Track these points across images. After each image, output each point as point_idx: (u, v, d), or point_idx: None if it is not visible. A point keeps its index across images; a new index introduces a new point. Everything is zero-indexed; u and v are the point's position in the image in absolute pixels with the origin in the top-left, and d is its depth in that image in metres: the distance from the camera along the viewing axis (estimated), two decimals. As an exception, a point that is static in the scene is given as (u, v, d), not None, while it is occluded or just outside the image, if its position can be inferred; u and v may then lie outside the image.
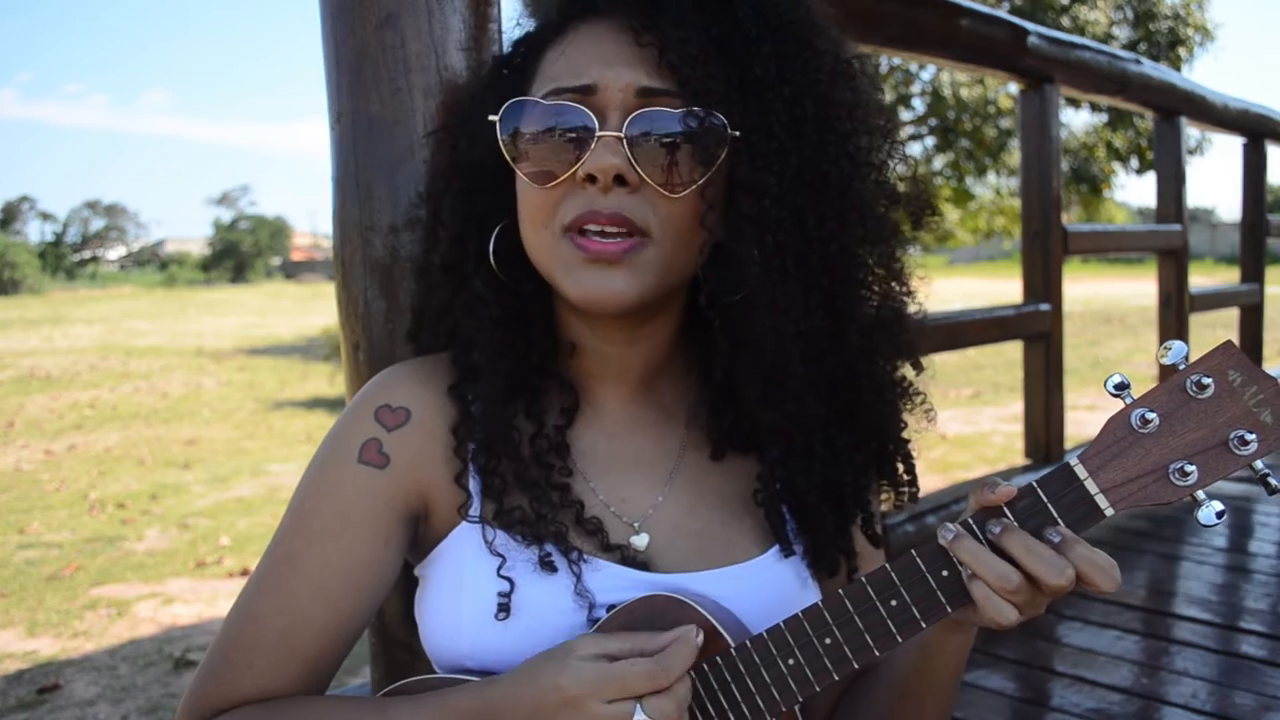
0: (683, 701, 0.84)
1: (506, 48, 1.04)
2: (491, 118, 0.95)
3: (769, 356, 0.93)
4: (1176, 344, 0.80)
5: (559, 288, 0.94)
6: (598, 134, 0.89)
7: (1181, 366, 0.81)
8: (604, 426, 1.03)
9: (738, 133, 0.90)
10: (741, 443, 1.04)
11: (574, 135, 0.90)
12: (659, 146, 0.89)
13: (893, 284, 1.01)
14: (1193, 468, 0.80)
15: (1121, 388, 0.82)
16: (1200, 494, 0.80)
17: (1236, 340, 5.35)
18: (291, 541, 0.95)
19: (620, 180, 0.89)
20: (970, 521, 0.84)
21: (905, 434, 1.06)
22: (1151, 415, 0.80)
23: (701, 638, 0.87)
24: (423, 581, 1.02)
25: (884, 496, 1.10)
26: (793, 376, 0.94)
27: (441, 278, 1.03)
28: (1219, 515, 0.80)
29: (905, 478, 1.07)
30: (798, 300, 0.92)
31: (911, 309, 1.03)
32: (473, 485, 0.97)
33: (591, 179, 0.89)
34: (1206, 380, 0.79)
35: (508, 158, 0.94)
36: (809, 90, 0.92)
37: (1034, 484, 0.83)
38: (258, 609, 0.95)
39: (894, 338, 1.02)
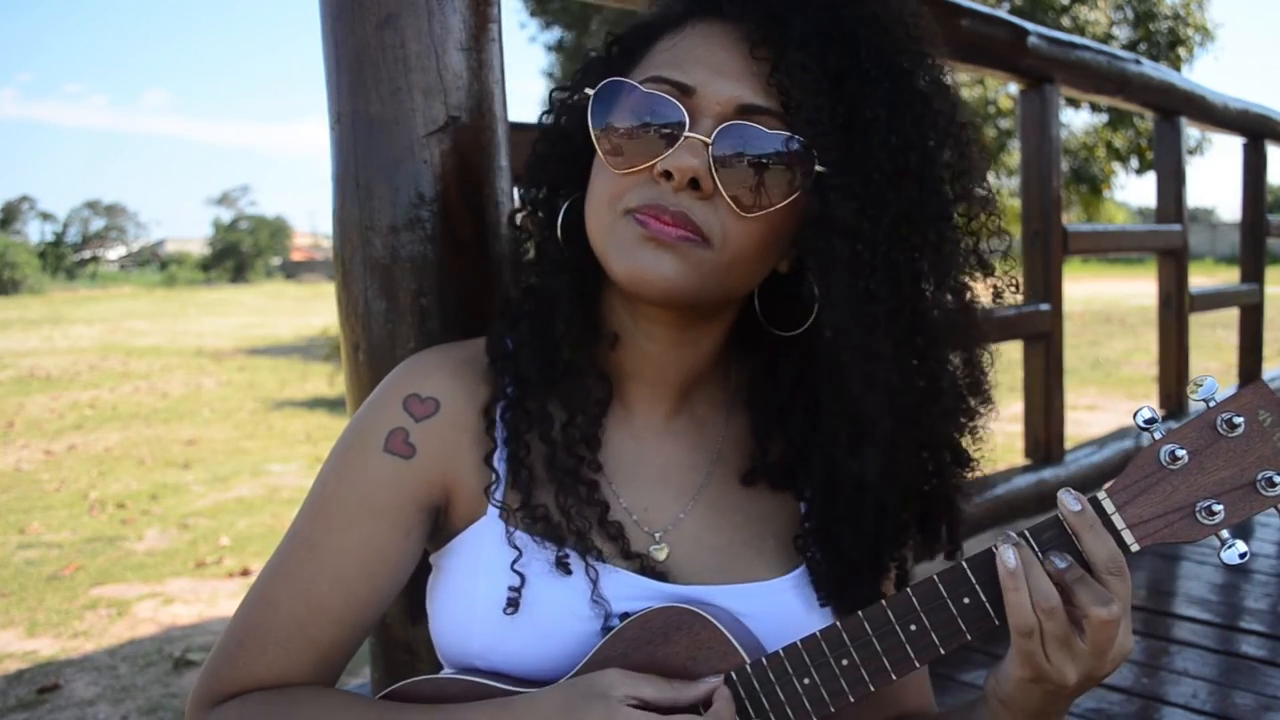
0: None
1: (625, 29, 1.01)
2: (588, 90, 0.93)
3: (858, 404, 0.91)
4: (1209, 380, 0.81)
5: (608, 264, 0.91)
6: (685, 133, 0.87)
7: (1212, 403, 0.81)
8: (634, 430, 1.01)
9: (823, 168, 0.87)
10: (781, 480, 1.02)
11: (662, 128, 0.88)
12: (742, 162, 0.87)
13: (968, 354, 0.98)
14: (1220, 507, 0.80)
15: (1150, 422, 0.82)
16: (1224, 533, 0.81)
17: (1236, 340, 5.36)
18: (311, 526, 0.95)
19: (695, 184, 0.87)
20: (1030, 540, 0.84)
21: (955, 496, 1.02)
22: (1181, 452, 0.80)
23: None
24: (437, 571, 1.01)
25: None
26: (881, 429, 0.91)
27: (510, 233, 1.02)
28: (1242, 556, 0.81)
29: (946, 537, 1.03)
30: (889, 352, 0.90)
31: (987, 382, 1.00)
32: (500, 469, 0.96)
33: (667, 175, 0.87)
34: (1238, 419, 0.80)
35: (592, 134, 0.92)
36: (916, 145, 0.89)
37: (1059, 516, 0.84)
38: (275, 594, 0.94)
39: (970, 409, 0.99)
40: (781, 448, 1.01)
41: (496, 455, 0.96)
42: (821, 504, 0.99)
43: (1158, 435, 0.82)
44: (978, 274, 0.96)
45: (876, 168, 0.87)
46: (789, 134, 0.87)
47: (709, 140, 0.87)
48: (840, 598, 0.98)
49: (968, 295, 0.95)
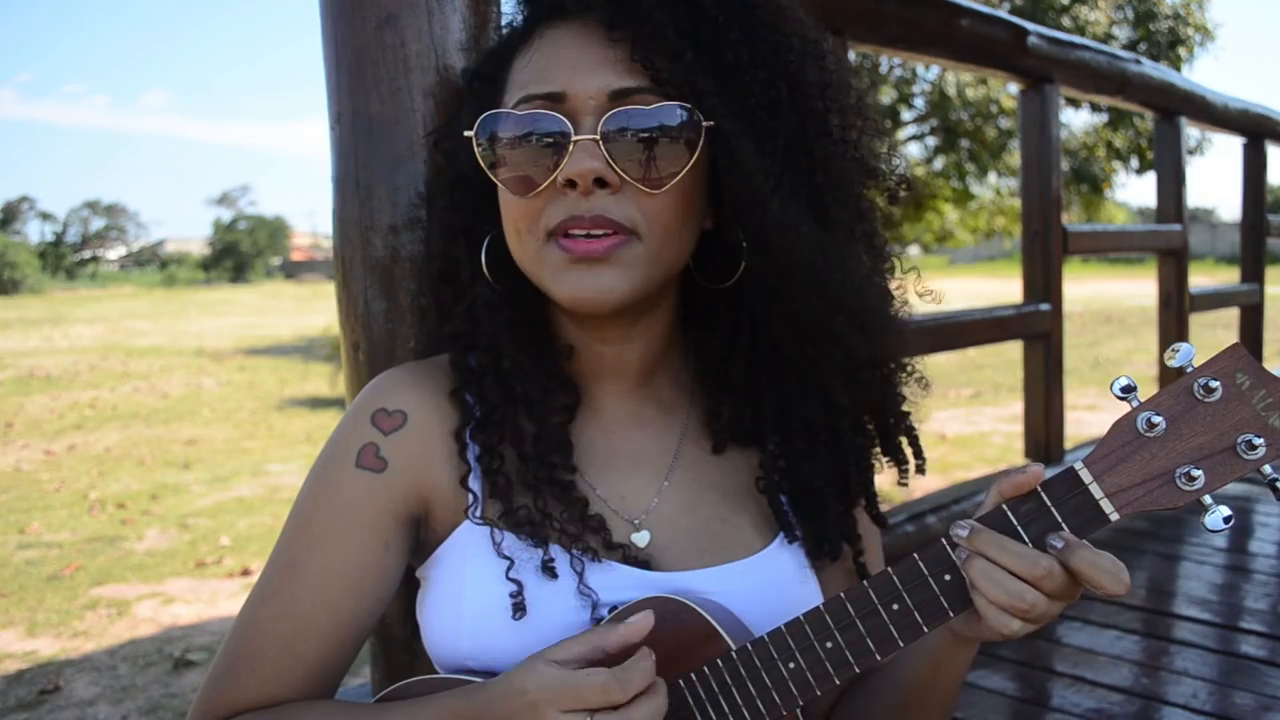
0: None
1: (477, 61, 1.04)
2: (467, 133, 0.95)
3: (792, 320, 0.95)
4: (1184, 346, 0.79)
5: (548, 292, 0.94)
6: (573, 138, 0.89)
7: (1189, 369, 0.80)
8: (603, 425, 1.03)
9: (712, 122, 0.90)
10: (742, 435, 1.05)
11: (550, 141, 0.90)
12: (636, 144, 0.89)
13: (875, 261, 1.02)
14: (1199, 472, 0.79)
15: (1128, 390, 0.81)
16: (1207, 498, 0.80)
17: (1236, 341, 5.41)
18: (291, 547, 0.96)
19: (601, 182, 0.89)
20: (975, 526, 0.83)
21: (905, 408, 1.06)
22: (1158, 419, 0.79)
23: (653, 660, 0.85)
24: (424, 584, 1.02)
25: (886, 472, 1.10)
26: (816, 345, 0.96)
27: (439, 285, 1.04)
28: (1226, 520, 0.79)
29: (911, 451, 1.07)
30: (814, 263, 0.93)
31: (893, 284, 1.04)
32: (475, 486, 0.97)
33: (571, 184, 0.89)
34: (1214, 383, 0.79)
35: (487, 171, 0.95)
36: (781, 72, 0.92)
37: (1038, 488, 0.83)
38: (259, 615, 0.95)
39: (881, 313, 1.02)
40: (734, 402, 1.04)
41: (472, 470, 0.97)
42: (779, 444, 1.03)
43: (1134, 404, 0.81)
44: (867, 180, 1.00)
45: (757, 105, 0.91)
46: (669, 103, 0.90)
47: (597, 137, 0.89)
48: (815, 533, 1.01)
49: (864, 203, 1.00)
